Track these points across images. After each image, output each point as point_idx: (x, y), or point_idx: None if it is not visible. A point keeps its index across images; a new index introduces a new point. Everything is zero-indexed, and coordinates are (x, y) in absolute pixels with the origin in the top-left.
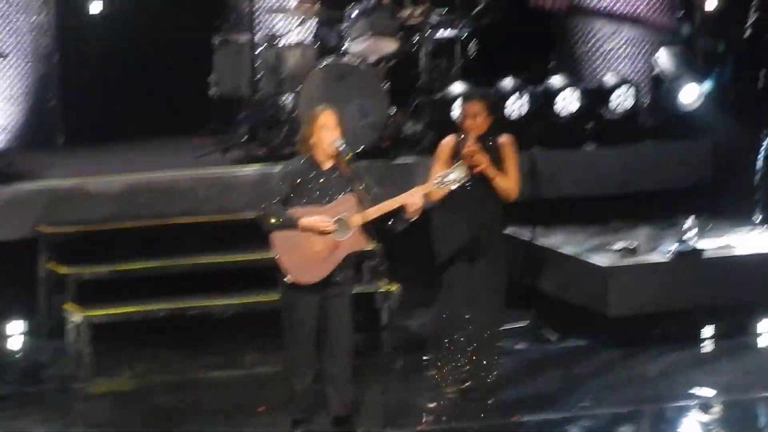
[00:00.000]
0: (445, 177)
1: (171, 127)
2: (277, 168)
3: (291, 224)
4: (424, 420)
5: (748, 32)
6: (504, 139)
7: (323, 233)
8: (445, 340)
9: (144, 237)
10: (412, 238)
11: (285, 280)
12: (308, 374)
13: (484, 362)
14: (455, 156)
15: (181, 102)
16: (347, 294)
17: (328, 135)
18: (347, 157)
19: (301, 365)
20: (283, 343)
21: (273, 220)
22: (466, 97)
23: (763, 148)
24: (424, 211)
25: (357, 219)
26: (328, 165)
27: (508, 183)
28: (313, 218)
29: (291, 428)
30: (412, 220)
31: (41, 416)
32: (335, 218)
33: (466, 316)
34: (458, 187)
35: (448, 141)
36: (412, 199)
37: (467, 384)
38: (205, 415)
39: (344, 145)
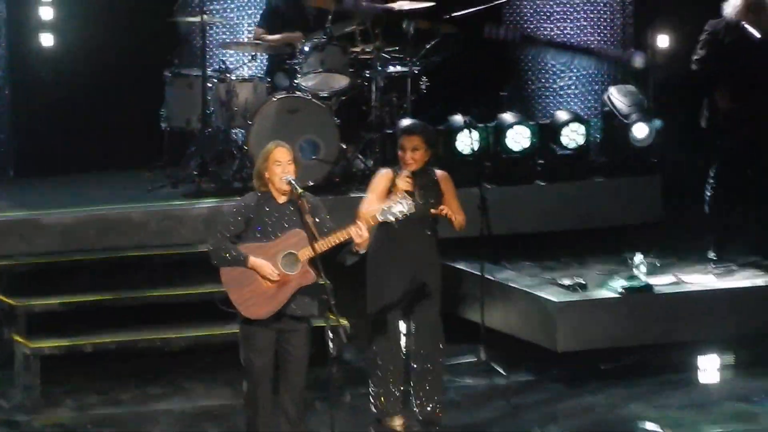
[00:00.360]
0: (391, 209)
1: (122, 160)
2: (229, 202)
3: (240, 262)
4: None
5: (693, 67)
6: (440, 173)
7: (268, 279)
8: (378, 372)
9: (94, 270)
10: (359, 272)
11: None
12: (266, 407)
13: (427, 395)
14: (391, 189)
15: (132, 135)
16: (305, 329)
17: (280, 170)
18: (298, 192)
19: (258, 398)
20: (233, 377)
21: (223, 255)
22: (405, 130)
23: (708, 186)
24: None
25: (305, 253)
26: (282, 200)
27: (459, 216)
28: (262, 262)
29: None
30: (362, 252)
31: None
32: (283, 252)
33: (403, 350)
34: (397, 223)
35: (386, 173)
36: (359, 232)
37: (404, 418)
38: None
39: (294, 180)
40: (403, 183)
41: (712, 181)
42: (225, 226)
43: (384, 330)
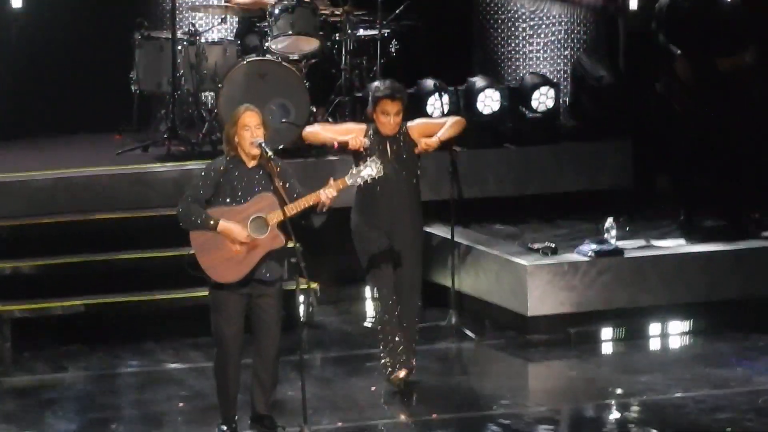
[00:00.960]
0: (360, 172)
1: (92, 123)
2: (198, 166)
3: (209, 226)
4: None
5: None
6: (409, 125)
7: (237, 242)
8: (386, 329)
9: (64, 233)
10: (329, 235)
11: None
12: (236, 374)
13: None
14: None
15: (102, 98)
16: (275, 293)
17: (249, 135)
18: (267, 156)
19: (228, 365)
20: (203, 341)
21: (192, 219)
22: (389, 95)
23: (673, 153)
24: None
25: (274, 217)
26: (251, 164)
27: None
28: (231, 225)
29: (219, 424)
30: (325, 212)
31: None
32: (252, 216)
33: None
34: (375, 181)
35: (362, 129)
36: (327, 195)
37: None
38: (126, 409)
39: (264, 144)
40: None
41: (675, 148)
42: (194, 190)
43: (383, 286)
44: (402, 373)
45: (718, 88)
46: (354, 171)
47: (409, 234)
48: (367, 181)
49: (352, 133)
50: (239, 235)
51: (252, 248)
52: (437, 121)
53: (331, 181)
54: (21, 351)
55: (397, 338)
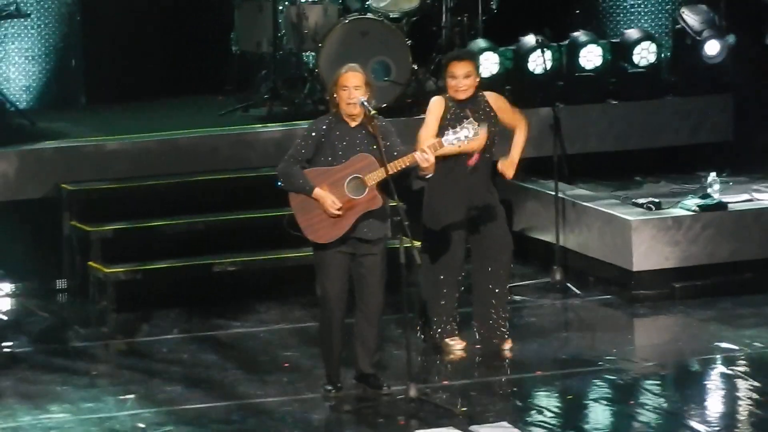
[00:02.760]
0: (456, 134)
1: (193, 85)
2: (300, 125)
3: (305, 190)
4: (445, 376)
5: None
6: (489, 95)
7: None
8: (442, 302)
9: (167, 195)
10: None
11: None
12: (341, 333)
13: (497, 324)
14: (446, 118)
15: (203, 60)
16: (379, 252)
17: (346, 95)
18: (370, 114)
19: (333, 325)
20: (308, 301)
21: (290, 180)
22: (455, 57)
23: None
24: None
25: (373, 177)
26: (353, 123)
27: (522, 131)
28: (324, 194)
29: (324, 384)
30: (428, 177)
31: (65, 373)
32: (350, 176)
33: (459, 278)
34: (454, 159)
35: (438, 100)
36: (425, 156)
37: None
38: (231, 370)
39: (367, 103)
40: (478, 144)
41: None
42: (295, 150)
43: (445, 256)
44: (459, 345)
45: None
46: (450, 132)
47: (488, 201)
48: (464, 142)
49: (436, 114)
50: (330, 206)
51: (349, 208)
52: (511, 109)
53: (428, 144)
54: (125, 313)
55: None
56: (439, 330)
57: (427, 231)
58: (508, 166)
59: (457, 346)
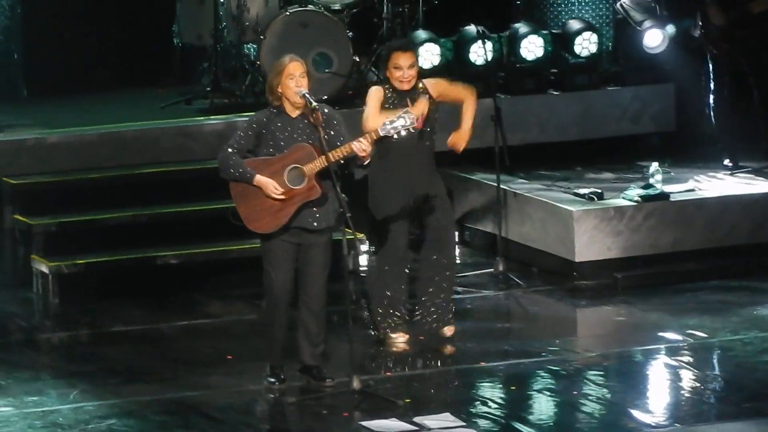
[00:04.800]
0: (393, 123)
1: (135, 77)
2: (242, 117)
3: (246, 179)
4: (388, 368)
5: None
6: (426, 82)
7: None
8: (387, 292)
9: (110, 188)
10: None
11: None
12: (285, 323)
13: (438, 308)
14: (387, 107)
15: (145, 52)
16: (323, 242)
17: (294, 84)
18: (312, 106)
19: (277, 314)
20: (249, 293)
21: (230, 171)
22: (400, 48)
23: (711, 95)
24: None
25: (312, 167)
26: (295, 114)
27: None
28: (266, 180)
29: (267, 376)
30: (366, 164)
31: (7, 366)
32: (290, 166)
33: (404, 269)
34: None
35: (377, 90)
36: (361, 146)
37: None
38: (174, 363)
39: (308, 94)
40: (419, 107)
41: (712, 92)
42: (236, 141)
43: (387, 245)
44: (402, 338)
45: (751, 30)
46: (387, 122)
47: (431, 191)
48: (400, 132)
49: (375, 103)
50: (272, 191)
51: (289, 198)
52: (453, 86)
53: (365, 133)
54: (68, 306)
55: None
56: (384, 324)
57: (371, 220)
58: (459, 138)
59: (400, 339)
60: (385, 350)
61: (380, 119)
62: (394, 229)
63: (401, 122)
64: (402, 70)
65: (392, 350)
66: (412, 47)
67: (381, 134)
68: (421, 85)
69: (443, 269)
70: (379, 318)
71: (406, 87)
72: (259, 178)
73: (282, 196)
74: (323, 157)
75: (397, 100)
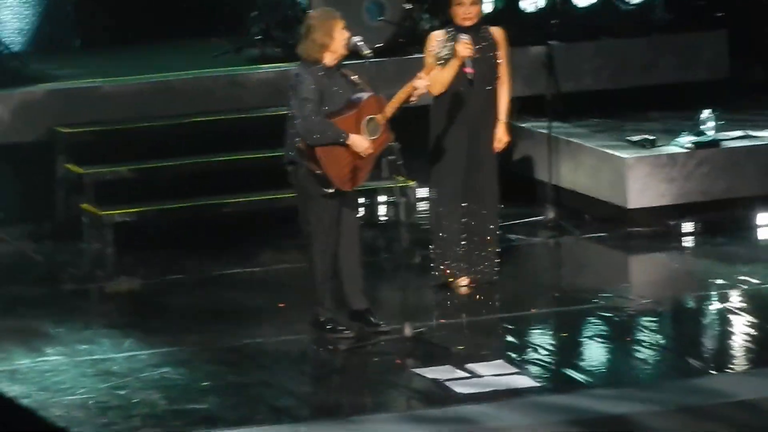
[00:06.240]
0: (441, 52)
1: (186, 27)
2: (292, 66)
3: (340, 139)
4: (438, 314)
5: None
6: (495, 30)
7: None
8: (440, 234)
9: (161, 137)
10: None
11: (326, 191)
12: (330, 270)
13: (487, 255)
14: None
15: (195, 2)
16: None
17: (345, 37)
18: (365, 55)
19: (325, 261)
20: (300, 241)
21: (324, 134)
22: None
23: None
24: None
25: (383, 116)
26: (333, 68)
27: (505, 92)
28: (357, 138)
29: (319, 323)
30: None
31: (59, 316)
32: (366, 118)
33: (462, 206)
34: (455, 84)
35: (438, 34)
36: (418, 84)
37: (470, 278)
38: (224, 313)
39: (363, 43)
40: (464, 48)
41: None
42: (312, 107)
43: (447, 190)
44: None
45: None
46: (436, 52)
47: (490, 140)
48: (450, 54)
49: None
50: (365, 149)
51: (372, 153)
52: (506, 56)
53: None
54: (120, 256)
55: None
56: (443, 268)
57: (429, 165)
58: (499, 135)
59: (462, 283)
60: (440, 297)
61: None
62: (448, 172)
63: (448, 50)
64: (464, 5)
65: (454, 294)
66: None
67: (435, 64)
68: (487, 29)
69: (487, 221)
70: (438, 262)
71: (467, 23)
72: (353, 137)
73: (371, 150)
74: (390, 103)
75: (456, 33)
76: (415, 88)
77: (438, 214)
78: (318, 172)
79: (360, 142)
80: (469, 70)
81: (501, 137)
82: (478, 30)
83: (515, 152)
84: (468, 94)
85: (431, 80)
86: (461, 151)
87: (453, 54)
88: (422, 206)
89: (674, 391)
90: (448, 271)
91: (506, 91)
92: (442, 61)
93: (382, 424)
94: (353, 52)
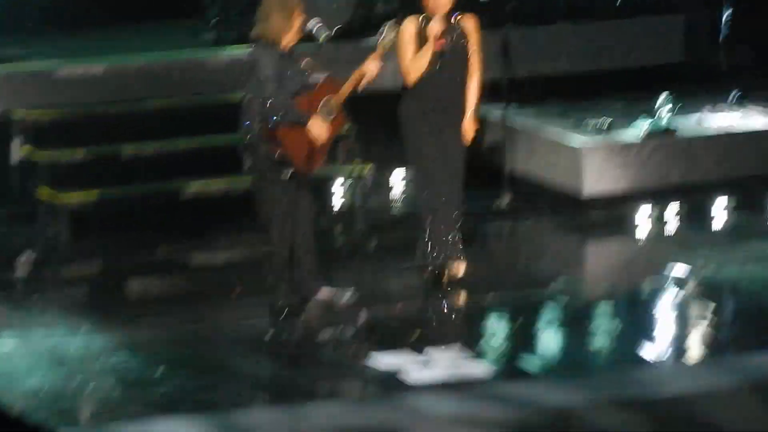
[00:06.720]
0: (384, 39)
1: (143, 11)
2: (249, 50)
3: (302, 119)
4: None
5: None
6: (467, 18)
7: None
8: (433, 220)
9: (117, 121)
10: (383, 120)
11: (285, 173)
12: (286, 256)
13: (453, 241)
14: (420, 36)
15: None
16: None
17: (302, 20)
18: (321, 39)
19: (284, 247)
20: (256, 226)
21: (284, 116)
22: None
23: (723, 27)
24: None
25: (338, 99)
26: (289, 51)
27: (475, 84)
28: (316, 123)
29: (275, 309)
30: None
31: (15, 301)
32: (323, 100)
33: (443, 198)
34: (426, 72)
35: (410, 22)
36: (371, 67)
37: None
38: (185, 295)
39: (319, 27)
40: (435, 26)
41: (725, 24)
42: (271, 88)
43: (430, 179)
44: (461, 267)
45: None
46: (380, 40)
47: (459, 129)
48: (387, 44)
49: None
50: (319, 134)
51: (329, 135)
52: (477, 46)
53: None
54: (75, 241)
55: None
56: (435, 254)
57: (406, 150)
58: (468, 125)
59: (459, 267)
60: (400, 281)
61: (411, 55)
62: (428, 156)
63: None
64: None
65: (414, 279)
66: None
67: (383, 50)
68: (457, 17)
69: (453, 206)
70: (430, 248)
71: (439, 12)
72: (312, 121)
73: (328, 135)
74: (344, 86)
75: (427, 24)
76: (365, 72)
77: (425, 202)
78: (277, 154)
79: (317, 126)
80: (440, 42)
81: (469, 129)
82: (449, 18)
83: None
84: (439, 84)
85: (407, 68)
86: (436, 139)
87: (395, 40)
88: (381, 191)
89: (620, 382)
90: (440, 255)
91: (477, 80)
92: (387, 48)
93: (336, 409)
94: (310, 36)
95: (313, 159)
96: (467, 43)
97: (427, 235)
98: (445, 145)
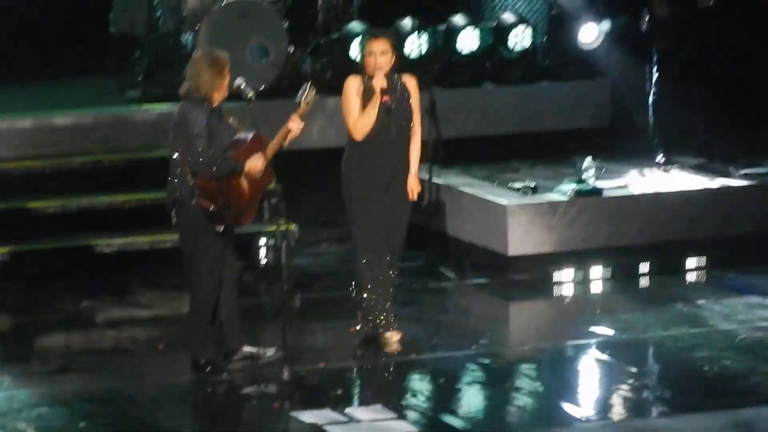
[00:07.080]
0: (306, 97)
1: (70, 66)
2: (176, 108)
3: (238, 167)
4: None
5: None
6: (407, 77)
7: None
8: (369, 285)
9: (41, 176)
10: (308, 178)
11: (216, 228)
12: (210, 316)
13: (391, 306)
14: (365, 95)
15: (80, 41)
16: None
17: (229, 79)
18: (248, 97)
19: (208, 306)
20: (179, 283)
21: (220, 166)
22: (372, 35)
23: (652, 89)
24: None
25: (263, 157)
26: (217, 108)
27: (417, 145)
28: (253, 161)
29: (198, 365)
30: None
31: None
32: (252, 156)
33: (387, 258)
34: (374, 126)
35: (354, 79)
36: (294, 125)
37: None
38: (104, 353)
39: (246, 85)
40: (380, 81)
41: (654, 86)
42: (204, 144)
43: (373, 239)
44: (396, 337)
45: (697, 25)
46: (301, 98)
47: (405, 188)
48: (309, 102)
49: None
50: (261, 163)
51: (257, 189)
52: (417, 108)
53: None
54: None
55: (381, 293)
56: (371, 319)
57: (347, 210)
58: (411, 185)
59: (394, 338)
60: (320, 340)
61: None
62: (372, 220)
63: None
64: (373, 55)
65: (336, 338)
66: (386, 34)
67: (304, 109)
68: (399, 77)
69: (392, 270)
70: (367, 312)
71: (378, 73)
72: (249, 162)
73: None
74: (272, 143)
75: (372, 87)
76: (290, 130)
77: (365, 263)
78: (211, 208)
79: (255, 161)
80: (386, 97)
81: (414, 187)
82: (391, 78)
83: None
84: (387, 139)
85: (355, 123)
86: (381, 200)
87: (316, 98)
88: (305, 250)
89: None
90: (378, 321)
91: (418, 140)
92: (309, 106)
93: None
94: (236, 94)
95: (245, 213)
96: (410, 99)
97: (364, 300)
98: (392, 201)
